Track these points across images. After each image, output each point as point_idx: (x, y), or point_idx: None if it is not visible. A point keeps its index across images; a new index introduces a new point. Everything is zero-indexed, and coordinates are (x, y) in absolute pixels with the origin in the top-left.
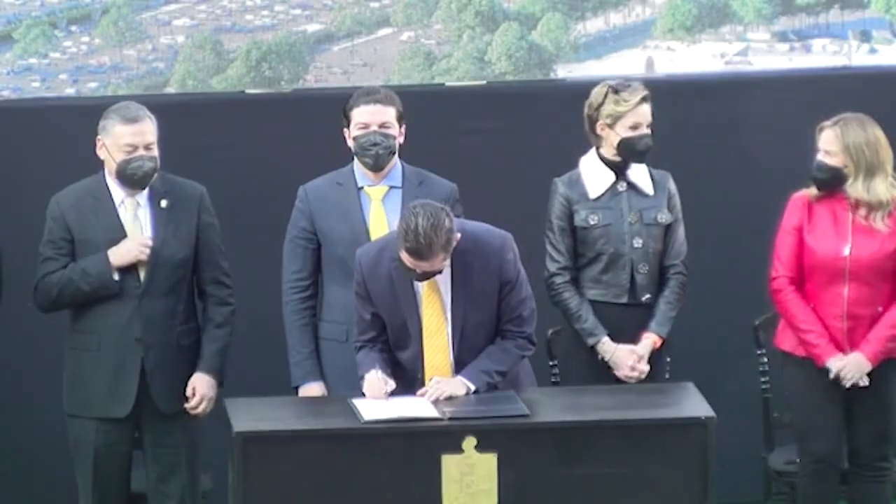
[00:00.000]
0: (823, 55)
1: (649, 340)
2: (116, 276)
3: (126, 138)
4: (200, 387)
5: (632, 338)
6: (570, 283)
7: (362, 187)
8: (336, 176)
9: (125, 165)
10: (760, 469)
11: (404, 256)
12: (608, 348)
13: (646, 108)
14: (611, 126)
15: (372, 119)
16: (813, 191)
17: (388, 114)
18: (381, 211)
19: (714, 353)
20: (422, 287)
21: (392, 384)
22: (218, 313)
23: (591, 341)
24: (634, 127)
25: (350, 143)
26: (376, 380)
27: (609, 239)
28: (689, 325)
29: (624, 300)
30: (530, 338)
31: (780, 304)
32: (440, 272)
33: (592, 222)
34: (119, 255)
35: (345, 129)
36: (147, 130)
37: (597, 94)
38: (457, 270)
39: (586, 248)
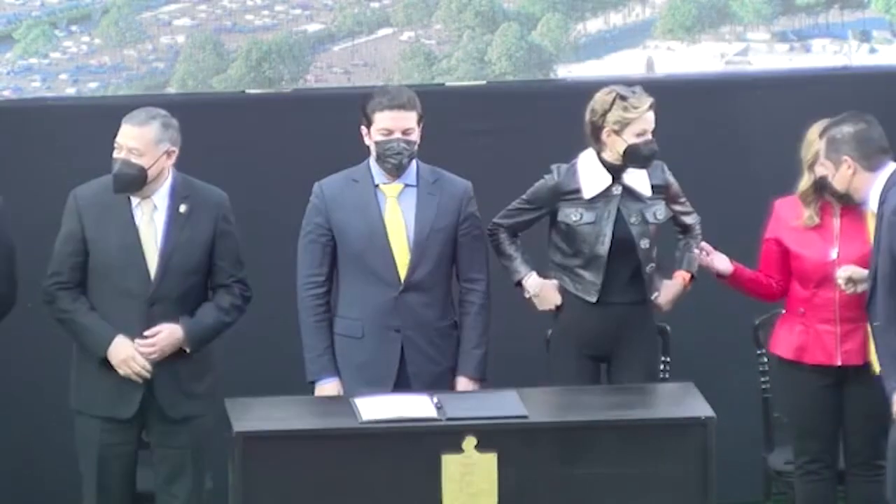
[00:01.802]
0: (823, 55)
1: (679, 278)
2: (103, 356)
3: (118, 137)
4: (165, 328)
5: (600, 338)
6: (509, 235)
7: (378, 185)
8: (352, 173)
9: (112, 162)
10: (760, 469)
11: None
12: (533, 283)
13: (652, 115)
14: (618, 132)
15: (395, 125)
16: (794, 197)
17: (411, 119)
18: (398, 208)
19: (714, 353)
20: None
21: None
22: (224, 300)
23: (515, 278)
24: (641, 133)
25: (369, 143)
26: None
27: (588, 238)
28: (689, 325)
29: (593, 300)
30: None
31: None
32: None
33: (575, 219)
34: (114, 355)
35: (363, 127)
36: (137, 135)
37: (602, 101)
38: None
39: (568, 242)
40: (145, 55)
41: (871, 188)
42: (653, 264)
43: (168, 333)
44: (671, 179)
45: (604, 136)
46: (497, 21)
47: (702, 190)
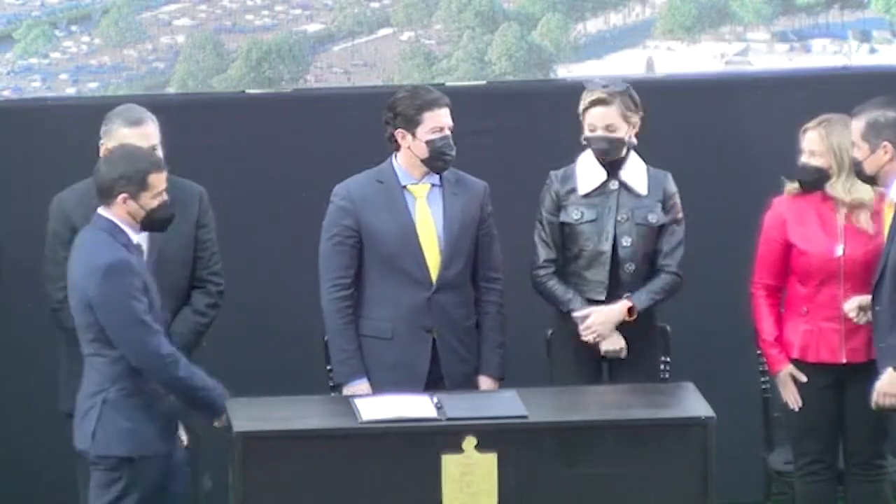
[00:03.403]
0: (823, 55)
1: (621, 303)
2: None
3: (130, 141)
4: None
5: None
6: (553, 274)
7: (406, 185)
8: (375, 174)
9: None
10: (760, 469)
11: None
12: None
13: (599, 111)
14: (583, 126)
15: (446, 123)
16: (794, 187)
17: (450, 116)
18: (427, 209)
19: (714, 353)
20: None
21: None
22: (199, 301)
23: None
24: (591, 129)
25: (409, 143)
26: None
27: (591, 235)
28: (690, 325)
29: (602, 297)
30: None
31: (753, 309)
32: None
33: (576, 217)
34: None
35: (399, 130)
36: (150, 133)
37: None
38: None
39: (572, 243)
40: (145, 55)
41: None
42: (632, 264)
43: None
44: (671, 189)
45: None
46: (497, 21)
47: (701, 190)
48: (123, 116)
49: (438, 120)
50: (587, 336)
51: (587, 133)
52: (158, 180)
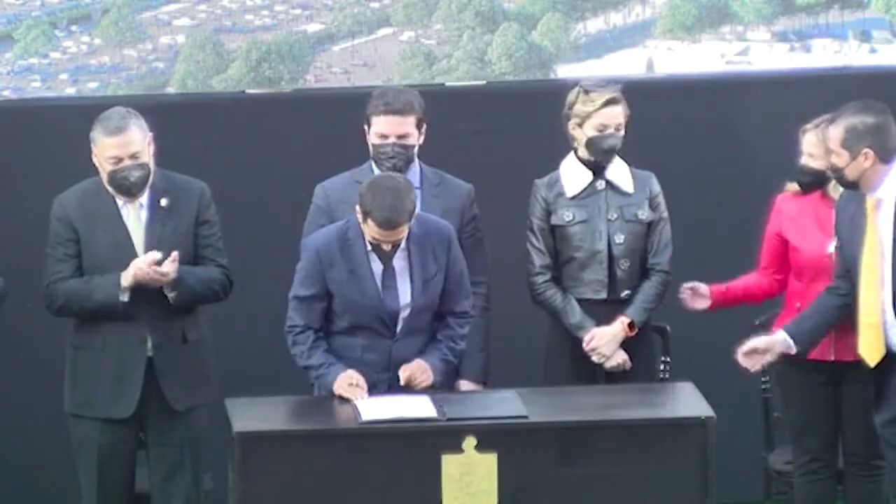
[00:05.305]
0: (823, 55)
1: (619, 323)
2: (125, 298)
3: (110, 150)
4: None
5: None
6: (551, 281)
7: None
8: (355, 174)
9: (113, 176)
10: (760, 469)
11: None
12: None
13: (612, 111)
14: (580, 126)
15: (391, 130)
16: (794, 186)
17: (408, 124)
18: None
19: (714, 353)
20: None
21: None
22: (215, 272)
23: (581, 334)
24: (600, 129)
25: (370, 144)
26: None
27: (585, 235)
28: (690, 325)
29: (603, 296)
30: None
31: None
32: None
33: (567, 219)
34: (126, 277)
35: (365, 126)
36: (130, 140)
37: (572, 93)
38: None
39: (565, 245)
40: (145, 55)
41: (884, 179)
42: (627, 261)
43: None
44: (656, 188)
45: (570, 128)
46: (497, 21)
47: (701, 189)
48: (104, 124)
49: (381, 127)
50: (594, 357)
51: (591, 134)
52: None
